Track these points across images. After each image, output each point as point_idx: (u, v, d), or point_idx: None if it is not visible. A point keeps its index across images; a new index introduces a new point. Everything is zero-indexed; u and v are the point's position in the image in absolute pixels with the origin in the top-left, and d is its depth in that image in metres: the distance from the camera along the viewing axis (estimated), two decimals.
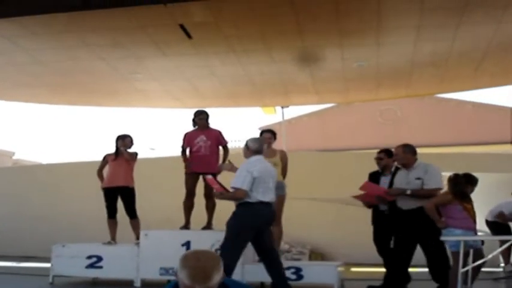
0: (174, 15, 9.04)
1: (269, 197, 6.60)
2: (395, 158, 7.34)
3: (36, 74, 12.28)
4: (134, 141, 9.03)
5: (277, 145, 8.21)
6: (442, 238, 6.39)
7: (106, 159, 8.99)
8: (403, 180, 7.03)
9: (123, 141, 8.90)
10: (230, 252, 6.38)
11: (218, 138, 8.47)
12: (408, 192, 6.83)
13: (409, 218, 6.88)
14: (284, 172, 7.96)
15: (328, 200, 11.97)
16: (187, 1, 8.57)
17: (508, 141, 24.13)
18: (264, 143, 7.08)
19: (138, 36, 10.01)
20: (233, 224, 6.57)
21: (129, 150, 8.91)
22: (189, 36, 9.72)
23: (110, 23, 9.50)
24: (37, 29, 9.80)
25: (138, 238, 8.53)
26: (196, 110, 8.73)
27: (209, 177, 7.11)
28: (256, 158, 6.70)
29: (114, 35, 9.99)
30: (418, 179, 6.88)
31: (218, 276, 2.51)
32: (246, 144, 6.81)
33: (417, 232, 6.83)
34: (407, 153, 7.09)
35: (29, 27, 9.68)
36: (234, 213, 6.69)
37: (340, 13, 8.96)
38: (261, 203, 6.51)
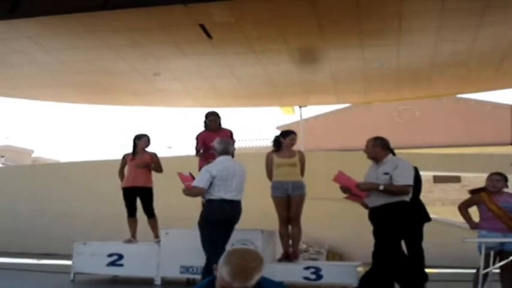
0: (194, 16, 9.09)
1: (231, 195, 6.93)
2: (365, 151, 6.86)
3: (57, 74, 12.40)
4: (151, 141, 9.10)
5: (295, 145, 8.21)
6: (463, 240, 6.37)
7: (125, 158, 9.06)
8: (373, 174, 6.62)
9: (140, 141, 8.98)
10: (213, 251, 6.69)
11: (231, 138, 8.51)
12: (381, 188, 6.35)
13: (374, 216, 6.59)
14: (302, 172, 7.99)
15: (344, 200, 11.95)
16: (207, 1, 8.62)
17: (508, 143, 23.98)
18: (230, 144, 7.37)
19: (158, 36, 10.08)
20: (201, 224, 6.94)
21: (147, 149, 8.99)
22: (209, 36, 9.77)
23: (131, 23, 9.56)
24: (59, 29, 9.90)
25: (156, 237, 8.61)
26: (207, 111, 8.75)
27: (185, 173, 7.44)
28: (220, 159, 7.10)
29: (134, 35, 10.06)
30: (386, 174, 6.44)
31: (258, 277, 2.56)
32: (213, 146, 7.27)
33: (381, 231, 6.50)
34: (376, 147, 6.64)
35: (51, 27, 9.78)
36: (200, 213, 7.06)
37: (361, 15, 8.97)
38: (223, 200, 6.87)
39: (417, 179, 7.27)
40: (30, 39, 10.26)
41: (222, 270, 2.57)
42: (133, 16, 9.19)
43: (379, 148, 6.62)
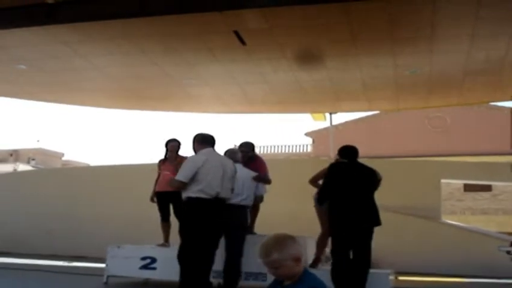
0: (228, 22, 9.15)
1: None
2: None
3: (91, 79, 12.57)
4: (181, 145, 9.16)
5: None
6: (500, 248, 6.36)
7: (159, 164, 9.15)
8: None
9: (168, 146, 9.06)
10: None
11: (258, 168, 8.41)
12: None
13: None
14: None
15: None
16: (242, 8, 8.69)
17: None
18: (236, 153, 7.86)
19: (192, 43, 10.18)
20: None
21: (180, 153, 9.07)
22: (243, 42, 9.83)
23: (165, 30, 9.67)
24: (95, 35, 10.04)
25: None
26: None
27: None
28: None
29: (168, 41, 10.17)
30: None
31: (277, 255, 2.94)
32: None
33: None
34: (193, 142, 7.02)
35: (87, 33, 9.92)
36: None
37: (394, 22, 8.96)
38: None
39: (372, 178, 7.21)
40: (66, 44, 10.42)
41: None
42: (168, 22, 9.28)
43: (195, 143, 6.97)
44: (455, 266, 11.05)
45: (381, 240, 11.67)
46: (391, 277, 7.83)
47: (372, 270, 7.29)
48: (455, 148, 26.22)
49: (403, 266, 10.42)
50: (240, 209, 7.42)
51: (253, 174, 7.76)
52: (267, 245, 3.00)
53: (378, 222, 7.13)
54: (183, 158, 8.96)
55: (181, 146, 9.16)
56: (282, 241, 3.00)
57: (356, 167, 7.18)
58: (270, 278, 3.16)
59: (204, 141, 6.89)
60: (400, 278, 9.88)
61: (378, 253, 11.71)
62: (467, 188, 27.73)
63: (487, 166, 14.23)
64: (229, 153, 7.80)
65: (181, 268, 6.77)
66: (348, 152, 7.26)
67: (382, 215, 11.68)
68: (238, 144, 8.74)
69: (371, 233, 7.12)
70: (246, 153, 8.41)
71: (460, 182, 24.47)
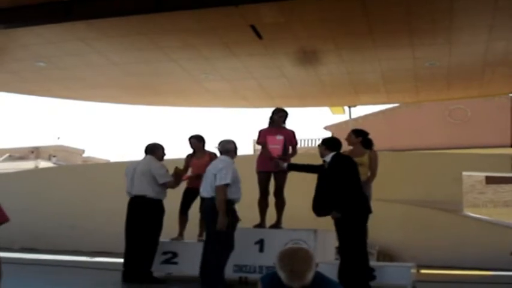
0: (245, 16, 9.14)
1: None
2: None
3: (109, 75, 12.65)
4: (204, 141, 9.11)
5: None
6: None
7: (187, 159, 9.13)
8: None
9: (191, 143, 9.02)
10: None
11: (291, 138, 8.48)
12: None
13: None
14: (371, 171, 8.27)
15: (395, 201, 11.88)
16: (258, 2, 8.67)
17: None
18: (225, 143, 7.65)
19: (208, 38, 10.18)
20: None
21: (207, 148, 9.03)
22: (259, 36, 9.81)
23: (181, 25, 9.69)
24: (111, 32, 10.11)
25: (201, 235, 8.69)
26: (276, 107, 8.81)
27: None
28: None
29: (185, 36, 10.19)
30: None
31: (311, 274, 2.89)
32: None
33: None
34: None
35: (104, 30, 10.00)
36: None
37: (411, 14, 8.90)
38: None
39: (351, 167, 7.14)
40: (83, 41, 10.49)
41: (279, 273, 2.94)
42: (184, 18, 9.30)
43: None
44: (477, 259, 10.96)
45: (402, 233, 11.70)
46: (413, 270, 7.77)
47: (394, 264, 7.25)
48: (476, 140, 25.95)
49: (425, 259, 10.37)
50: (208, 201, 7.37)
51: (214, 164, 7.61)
52: (298, 270, 2.89)
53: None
54: (212, 154, 8.88)
55: (205, 142, 9.10)
56: (308, 258, 2.94)
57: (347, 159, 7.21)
58: None
59: None
60: (422, 271, 9.82)
61: (400, 246, 11.72)
62: (489, 180, 27.43)
63: (508, 158, 14.04)
64: (224, 143, 7.67)
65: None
66: (338, 145, 7.20)
67: (403, 208, 11.69)
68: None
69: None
70: (284, 118, 8.60)
71: (482, 175, 24.22)
